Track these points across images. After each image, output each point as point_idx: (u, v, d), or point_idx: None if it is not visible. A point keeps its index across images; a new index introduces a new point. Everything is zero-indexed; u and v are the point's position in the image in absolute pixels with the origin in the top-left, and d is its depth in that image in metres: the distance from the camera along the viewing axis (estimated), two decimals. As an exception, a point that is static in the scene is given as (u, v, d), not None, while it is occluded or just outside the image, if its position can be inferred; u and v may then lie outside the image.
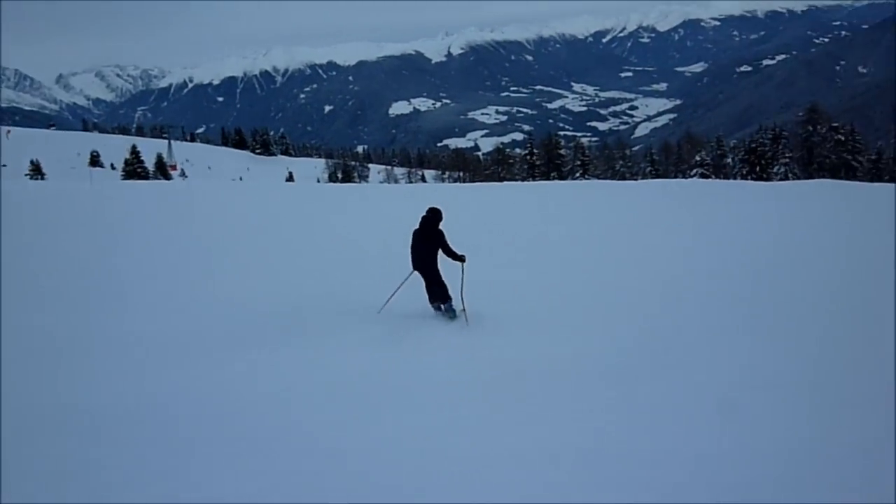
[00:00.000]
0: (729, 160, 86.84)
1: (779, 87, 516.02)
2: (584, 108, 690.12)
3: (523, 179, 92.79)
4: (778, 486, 7.14)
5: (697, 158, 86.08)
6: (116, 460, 7.21)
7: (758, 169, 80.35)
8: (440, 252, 11.87)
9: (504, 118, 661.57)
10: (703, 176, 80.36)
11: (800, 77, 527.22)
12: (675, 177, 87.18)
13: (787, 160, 79.54)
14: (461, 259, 11.91)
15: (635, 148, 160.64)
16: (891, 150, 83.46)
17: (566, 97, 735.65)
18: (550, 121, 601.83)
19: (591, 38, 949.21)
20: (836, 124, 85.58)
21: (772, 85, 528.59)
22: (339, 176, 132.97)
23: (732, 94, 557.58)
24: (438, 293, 12.00)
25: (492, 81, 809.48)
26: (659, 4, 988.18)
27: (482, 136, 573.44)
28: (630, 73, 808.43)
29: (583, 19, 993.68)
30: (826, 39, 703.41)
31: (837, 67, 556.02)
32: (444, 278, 11.98)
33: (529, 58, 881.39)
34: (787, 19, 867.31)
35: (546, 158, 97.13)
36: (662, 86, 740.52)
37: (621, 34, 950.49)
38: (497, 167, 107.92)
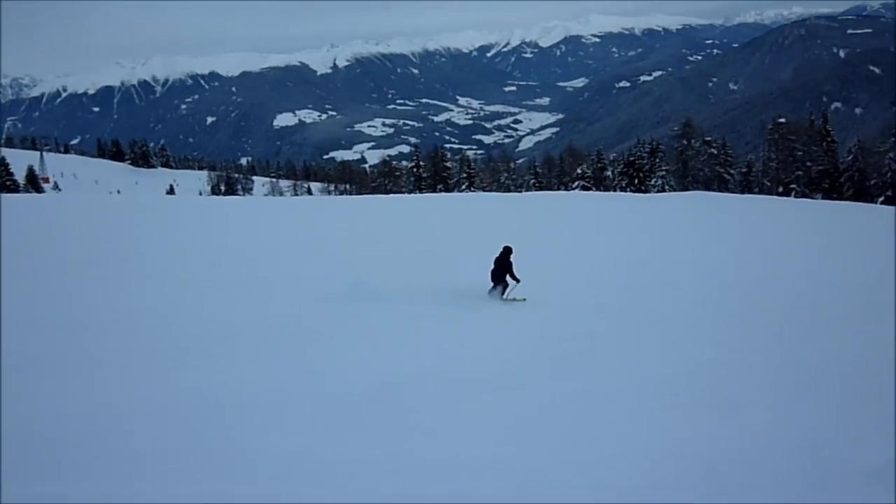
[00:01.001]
0: (609, 173, 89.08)
1: (656, 103, 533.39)
2: (470, 122, 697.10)
3: (410, 192, 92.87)
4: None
5: (579, 171, 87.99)
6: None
7: (636, 181, 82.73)
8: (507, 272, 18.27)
9: (391, 130, 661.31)
10: (584, 188, 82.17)
11: (675, 93, 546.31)
12: (559, 189, 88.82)
13: (664, 173, 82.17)
14: (517, 280, 18.16)
15: (520, 161, 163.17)
16: (760, 163, 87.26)
17: (452, 110, 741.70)
18: (437, 133, 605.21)
19: (475, 53, 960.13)
20: (708, 138, 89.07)
21: (649, 100, 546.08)
22: (223, 189, 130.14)
23: (612, 108, 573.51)
24: (499, 282, 18.35)
25: (378, 94, 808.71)
26: (541, 20, 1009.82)
27: (369, 149, 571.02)
28: (514, 88, 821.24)
29: (467, 34, 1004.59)
30: (700, 57, 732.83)
31: (710, 84, 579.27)
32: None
33: (415, 71, 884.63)
34: (663, 37, 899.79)
35: (432, 171, 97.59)
36: (545, 100, 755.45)
37: (505, 49, 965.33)
38: (384, 180, 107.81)
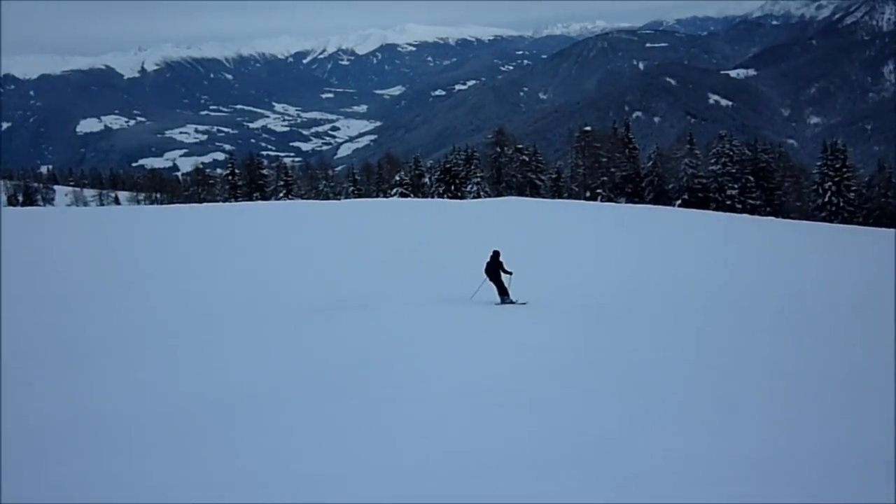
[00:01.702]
0: (427, 180, 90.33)
1: (470, 111, 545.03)
2: (287, 129, 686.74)
3: (225, 200, 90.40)
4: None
5: (397, 178, 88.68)
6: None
7: (453, 188, 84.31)
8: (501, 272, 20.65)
9: (204, 137, 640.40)
10: (402, 195, 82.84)
11: (489, 101, 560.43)
12: (377, 196, 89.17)
13: (479, 179, 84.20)
14: (509, 273, 20.60)
15: (338, 168, 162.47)
16: (568, 169, 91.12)
17: (268, 117, 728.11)
18: (253, 140, 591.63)
19: (291, 59, 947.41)
20: (520, 146, 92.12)
21: (464, 108, 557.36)
22: (21, 199, 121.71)
23: (428, 116, 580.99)
24: (501, 293, 20.65)
25: (190, 99, 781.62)
26: (357, 28, 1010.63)
27: (181, 156, 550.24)
28: (331, 95, 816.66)
29: (283, 40, 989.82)
30: (511, 67, 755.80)
31: (521, 93, 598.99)
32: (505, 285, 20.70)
33: (229, 76, 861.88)
34: (477, 47, 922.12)
35: (248, 179, 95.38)
36: (363, 107, 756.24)
37: (322, 56, 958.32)
38: (197, 188, 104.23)
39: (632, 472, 7.69)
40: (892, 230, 53.49)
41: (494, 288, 20.68)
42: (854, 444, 8.74)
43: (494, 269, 20.49)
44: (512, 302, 20.37)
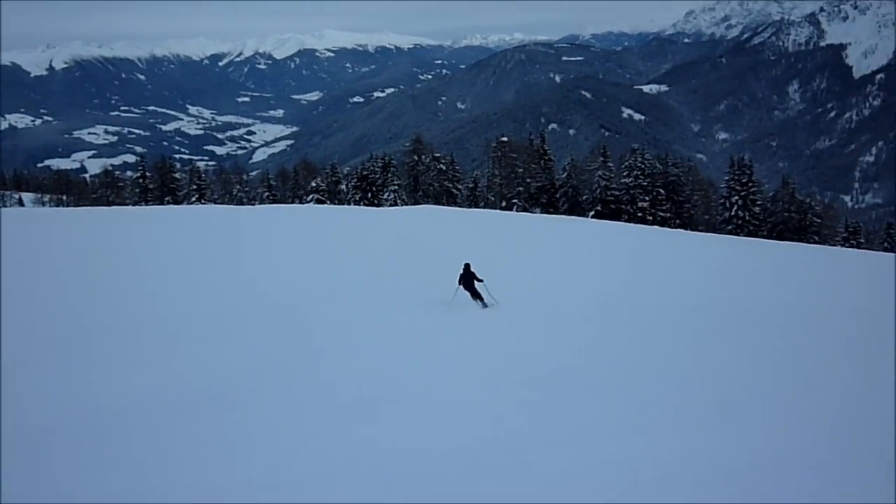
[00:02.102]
0: (343, 187, 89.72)
1: (388, 119, 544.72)
2: (201, 132, 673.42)
3: (135, 204, 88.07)
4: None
5: (313, 184, 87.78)
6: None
7: (370, 195, 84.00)
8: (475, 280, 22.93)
9: (114, 139, 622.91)
10: (318, 201, 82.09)
11: (407, 110, 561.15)
12: (293, 202, 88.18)
13: (396, 187, 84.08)
14: (480, 280, 22.88)
15: (253, 173, 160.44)
16: (485, 179, 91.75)
17: (182, 119, 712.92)
18: (165, 143, 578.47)
19: (207, 61, 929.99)
20: (438, 154, 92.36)
21: (382, 116, 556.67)
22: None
23: (346, 123, 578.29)
24: (476, 297, 22.86)
25: (100, 99, 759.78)
26: (275, 32, 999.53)
27: (90, 157, 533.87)
28: (247, 98, 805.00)
29: (198, 41, 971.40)
30: (430, 76, 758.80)
31: (440, 102, 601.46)
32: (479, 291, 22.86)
33: (142, 77, 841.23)
34: (395, 55, 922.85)
35: (160, 182, 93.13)
36: (280, 112, 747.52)
37: (238, 59, 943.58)
38: (106, 190, 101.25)
39: (548, 476, 7.74)
40: (798, 244, 55.49)
41: (468, 294, 22.97)
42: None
43: (468, 278, 22.87)
44: (485, 305, 22.84)
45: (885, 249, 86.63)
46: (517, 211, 78.15)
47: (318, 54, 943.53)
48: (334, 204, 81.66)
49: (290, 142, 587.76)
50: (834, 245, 77.94)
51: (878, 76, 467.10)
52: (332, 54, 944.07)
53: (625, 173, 79.96)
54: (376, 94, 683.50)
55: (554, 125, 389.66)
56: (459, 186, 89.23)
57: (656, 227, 68.35)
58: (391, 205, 78.43)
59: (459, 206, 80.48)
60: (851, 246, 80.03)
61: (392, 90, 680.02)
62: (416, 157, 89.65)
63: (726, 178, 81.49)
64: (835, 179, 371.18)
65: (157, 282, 23.54)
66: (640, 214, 76.90)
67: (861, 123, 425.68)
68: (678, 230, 69.71)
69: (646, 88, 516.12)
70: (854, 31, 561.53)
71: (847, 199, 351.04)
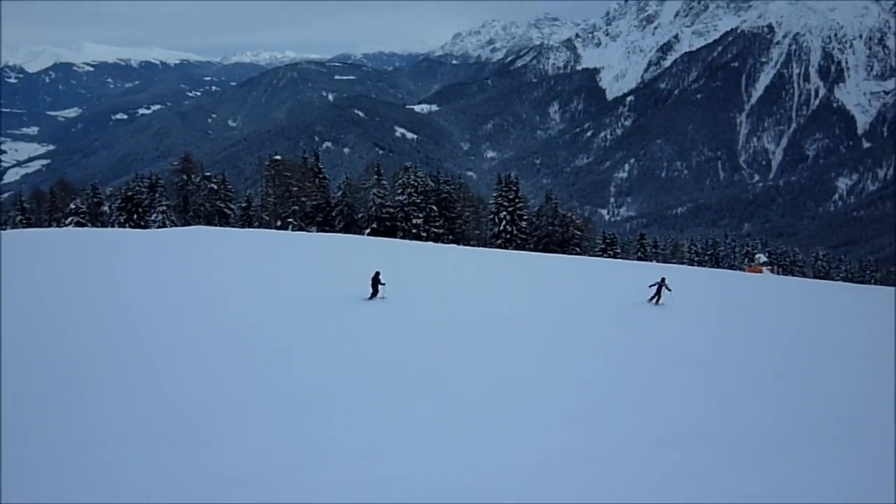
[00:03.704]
0: (106, 208, 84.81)
1: (155, 136, 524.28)
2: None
3: None
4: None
5: (73, 206, 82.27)
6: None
7: (135, 217, 79.92)
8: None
9: None
10: (79, 224, 77.04)
11: (175, 127, 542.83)
12: (50, 226, 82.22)
13: (165, 208, 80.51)
14: (383, 284, 29.06)
15: (5, 195, 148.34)
16: (259, 198, 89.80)
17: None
18: None
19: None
20: (208, 173, 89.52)
21: (149, 133, 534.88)
22: None
23: (109, 141, 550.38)
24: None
25: None
26: (27, 44, 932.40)
27: None
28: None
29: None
30: (199, 93, 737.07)
31: (210, 120, 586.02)
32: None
33: None
34: (162, 71, 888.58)
35: None
36: (34, 129, 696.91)
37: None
38: None
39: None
40: (561, 255, 58.53)
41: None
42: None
43: (375, 281, 29.24)
44: (383, 297, 29.18)
45: (639, 258, 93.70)
46: (292, 230, 77.19)
47: (76, 68, 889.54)
48: (96, 227, 76.95)
49: (46, 161, 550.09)
50: (594, 256, 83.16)
51: (629, 98, 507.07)
52: (91, 69, 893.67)
53: (399, 191, 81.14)
54: (141, 110, 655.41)
55: (328, 144, 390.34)
56: (232, 206, 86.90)
57: (430, 243, 69.79)
58: (159, 226, 75.04)
59: (233, 227, 78.38)
60: (609, 256, 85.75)
61: (158, 107, 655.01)
62: (185, 177, 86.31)
63: (494, 194, 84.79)
64: (593, 194, 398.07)
65: None
66: (414, 231, 78.31)
67: (615, 142, 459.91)
68: (451, 245, 71.64)
69: (417, 108, 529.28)
70: (606, 56, 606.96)
71: (604, 212, 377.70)
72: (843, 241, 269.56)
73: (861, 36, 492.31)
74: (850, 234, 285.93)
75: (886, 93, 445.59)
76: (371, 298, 29.07)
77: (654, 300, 31.09)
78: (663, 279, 31.97)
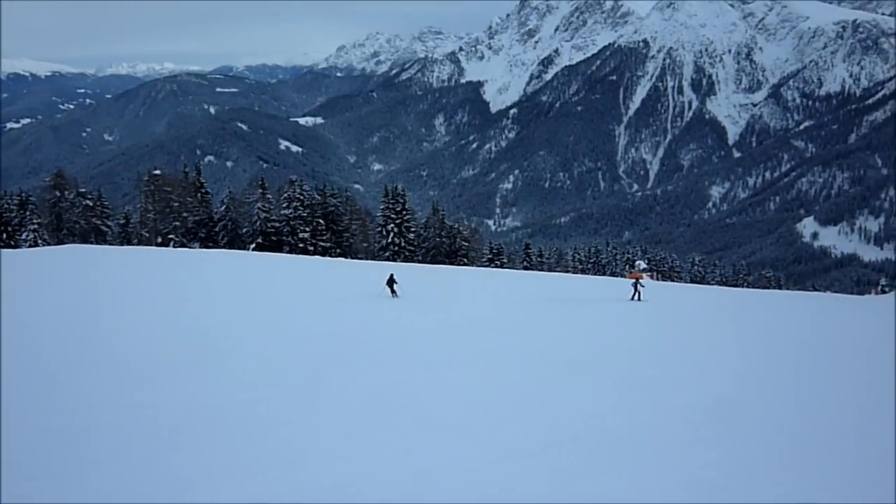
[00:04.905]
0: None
1: (25, 152, 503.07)
2: None
3: None
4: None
5: (-66, 226, 77.83)
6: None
7: (4, 236, 76.09)
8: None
9: None
10: (-59, 245, 72.87)
11: (47, 142, 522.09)
12: None
13: (36, 226, 76.92)
14: (396, 282, 35.31)
15: None
16: (138, 214, 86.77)
17: None
18: None
19: None
20: (83, 189, 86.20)
21: (18, 149, 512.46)
22: None
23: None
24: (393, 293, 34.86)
25: None
26: None
27: None
28: None
29: None
30: (72, 106, 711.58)
31: (84, 134, 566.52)
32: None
33: None
34: (31, 83, 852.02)
35: None
36: None
37: None
38: None
39: None
40: (450, 266, 58.77)
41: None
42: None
43: (391, 282, 34.52)
44: (398, 296, 34.03)
45: (525, 268, 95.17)
46: (174, 247, 75.01)
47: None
48: (-39, 247, 72.87)
49: None
50: (481, 266, 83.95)
51: (512, 111, 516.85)
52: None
53: (284, 205, 79.95)
54: (10, 125, 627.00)
55: (211, 157, 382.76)
56: (110, 223, 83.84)
57: (318, 258, 68.98)
58: (31, 245, 71.67)
59: (111, 244, 75.57)
60: (496, 266, 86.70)
61: (28, 120, 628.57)
62: (58, 193, 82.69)
63: (382, 206, 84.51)
64: (479, 205, 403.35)
65: None
66: (301, 245, 77.27)
67: (499, 154, 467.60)
68: (339, 258, 71.03)
69: (302, 121, 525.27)
70: (490, 69, 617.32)
71: (490, 223, 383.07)
72: (717, 246, 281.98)
73: (730, 51, 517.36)
74: (724, 239, 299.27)
75: (754, 105, 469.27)
76: (394, 296, 34.03)
77: (635, 297, 36.43)
78: (637, 279, 37.75)
